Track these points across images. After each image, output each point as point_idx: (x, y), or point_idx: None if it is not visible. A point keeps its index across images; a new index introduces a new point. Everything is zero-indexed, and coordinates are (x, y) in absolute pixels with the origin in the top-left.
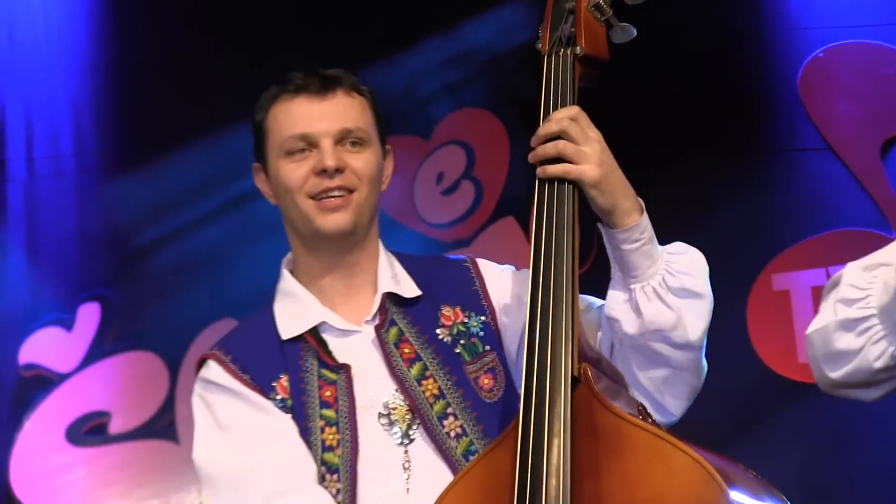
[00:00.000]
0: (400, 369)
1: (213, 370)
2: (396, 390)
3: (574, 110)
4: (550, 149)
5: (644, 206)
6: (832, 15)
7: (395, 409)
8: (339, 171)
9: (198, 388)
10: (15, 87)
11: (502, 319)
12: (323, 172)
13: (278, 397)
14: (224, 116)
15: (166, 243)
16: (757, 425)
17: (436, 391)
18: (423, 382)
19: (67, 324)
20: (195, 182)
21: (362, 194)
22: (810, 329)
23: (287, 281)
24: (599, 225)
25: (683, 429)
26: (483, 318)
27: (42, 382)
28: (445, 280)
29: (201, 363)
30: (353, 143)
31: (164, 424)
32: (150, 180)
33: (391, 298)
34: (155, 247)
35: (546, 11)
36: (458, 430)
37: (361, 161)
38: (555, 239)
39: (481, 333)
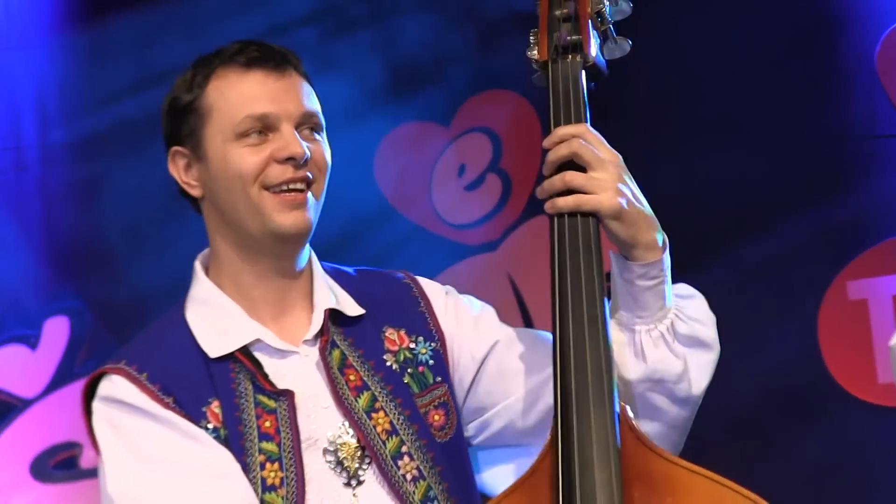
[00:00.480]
0: (347, 399)
1: (122, 388)
2: (344, 423)
3: (581, 128)
4: (557, 182)
5: (668, 243)
6: None
7: (342, 444)
8: (306, 161)
9: (100, 410)
10: None
11: (453, 348)
12: (288, 160)
13: (210, 426)
14: None
15: (148, 245)
16: (829, 454)
17: (388, 426)
18: (374, 415)
19: (31, 341)
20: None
21: (319, 188)
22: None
23: (205, 287)
24: (612, 254)
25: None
26: (432, 344)
27: (2, 409)
28: (385, 298)
29: (96, 379)
30: (313, 129)
31: None
32: (129, 173)
33: (330, 316)
34: (135, 250)
35: (541, 16)
36: (415, 472)
37: (321, 152)
38: (583, 276)
39: (431, 362)
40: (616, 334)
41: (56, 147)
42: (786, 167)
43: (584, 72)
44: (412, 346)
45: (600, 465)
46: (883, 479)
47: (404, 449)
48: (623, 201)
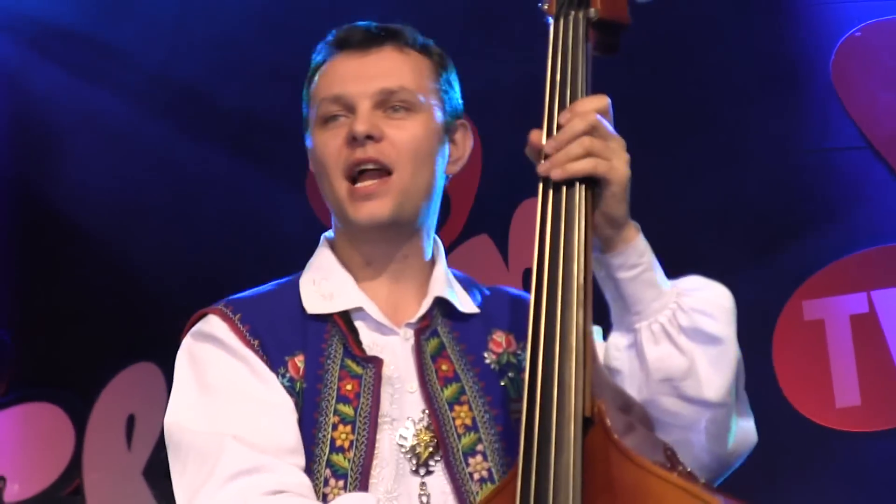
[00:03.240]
0: (432, 386)
1: (215, 324)
2: (424, 410)
3: (604, 102)
4: (576, 148)
5: (640, 227)
6: None
7: (418, 431)
8: (371, 138)
9: (186, 342)
10: None
11: None
12: (354, 141)
13: (287, 375)
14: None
15: (73, 268)
16: (785, 480)
17: (468, 422)
18: (456, 408)
19: None
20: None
21: (404, 174)
22: None
23: (325, 256)
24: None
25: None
26: None
27: None
28: (502, 306)
29: (198, 319)
30: (397, 109)
31: (70, 491)
32: (62, 184)
33: (441, 308)
34: (58, 274)
35: None
36: (485, 473)
37: (404, 131)
38: (563, 248)
39: None
40: (619, 339)
41: None
42: (737, 181)
43: (589, 29)
44: (517, 351)
45: (557, 476)
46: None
47: (480, 448)
48: (629, 176)
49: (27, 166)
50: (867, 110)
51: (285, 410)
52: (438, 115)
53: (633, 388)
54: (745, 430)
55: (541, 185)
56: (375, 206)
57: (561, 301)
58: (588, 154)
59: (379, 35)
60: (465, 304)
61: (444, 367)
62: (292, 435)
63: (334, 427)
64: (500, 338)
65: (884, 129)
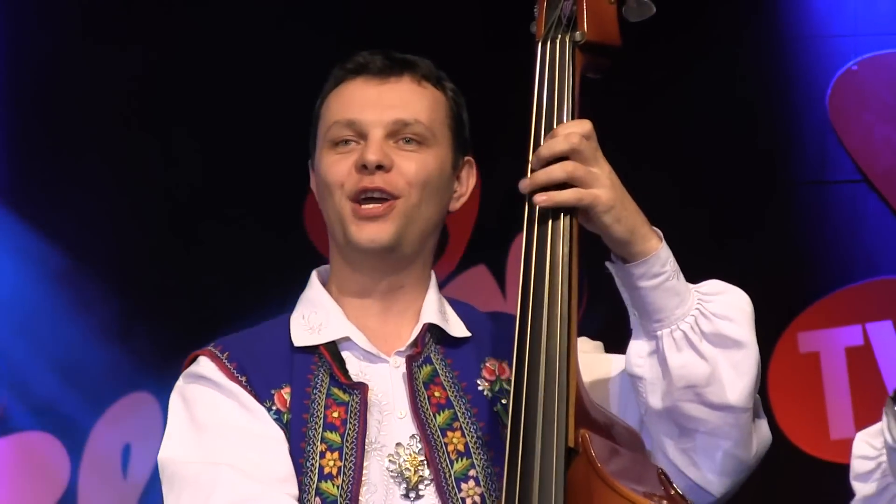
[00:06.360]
0: (425, 412)
1: (204, 365)
2: (414, 436)
3: (587, 126)
4: (558, 172)
5: (662, 235)
6: (868, 20)
7: (408, 455)
8: (381, 167)
9: (178, 384)
10: None
11: None
12: (363, 168)
13: (273, 408)
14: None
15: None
16: None
17: (461, 447)
18: (449, 434)
19: None
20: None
21: (410, 202)
22: None
23: (314, 289)
24: (609, 264)
25: None
26: None
27: None
28: (497, 333)
29: (191, 361)
30: (409, 140)
31: None
32: (50, 209)
33: (433, 334)
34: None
35: None
36: (477, 498)
37: (415, 163)
38: (548, 277)
39: None
40: (641, 346)
41: None
42: (734, 212)
43: (577, 53)
44: (510, 378)
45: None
46: None
47: (472, 473)
48: (618, 197)
49: None
50: (863, 143)
51: (275, 441)
52: (448, 151)
53: (656, 395)
54: (762, 431)
55: (527, 213)
56: (378, 228)
57: (546, 331)
58: (570, 179)
59: (398, 65)
60: (456, 328)
61: (437, 394)
62: (283, 465)
63: (322, 455)
64: (492, 365)
65: (880, 163)
